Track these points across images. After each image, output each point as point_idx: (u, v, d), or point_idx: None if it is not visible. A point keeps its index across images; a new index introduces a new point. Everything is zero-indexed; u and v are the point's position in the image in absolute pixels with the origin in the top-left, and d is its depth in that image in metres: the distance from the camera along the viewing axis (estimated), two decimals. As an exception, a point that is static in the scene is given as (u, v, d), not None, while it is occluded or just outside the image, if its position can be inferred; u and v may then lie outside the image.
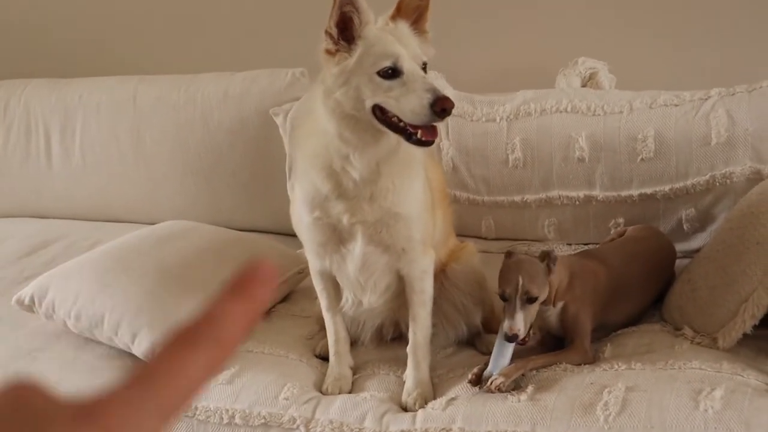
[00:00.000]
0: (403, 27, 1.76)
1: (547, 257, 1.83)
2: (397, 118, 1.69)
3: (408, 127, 1.69)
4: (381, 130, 1.74)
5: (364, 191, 1.80)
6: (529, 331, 1.81)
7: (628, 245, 2.20)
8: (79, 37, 3.79)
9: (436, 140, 1.73)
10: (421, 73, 1.72)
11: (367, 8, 1.74)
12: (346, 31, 1.74)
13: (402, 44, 1.72)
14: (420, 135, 1.68)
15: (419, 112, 1.65)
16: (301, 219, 1.93)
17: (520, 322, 1.76)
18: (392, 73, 1.69)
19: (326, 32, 1.74)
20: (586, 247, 2.48)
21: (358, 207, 1.82)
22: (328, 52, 1.75)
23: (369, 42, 1.72)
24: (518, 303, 1.78)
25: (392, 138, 1.76)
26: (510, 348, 1.84)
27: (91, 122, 3.21)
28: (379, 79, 1.70)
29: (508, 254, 1.94)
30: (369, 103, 1.71)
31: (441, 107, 1.63)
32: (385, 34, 1.73)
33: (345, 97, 1.72)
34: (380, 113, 1.71)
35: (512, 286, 1.79)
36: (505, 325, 1.78)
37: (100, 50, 3.76)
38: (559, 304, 1.91)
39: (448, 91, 2.64)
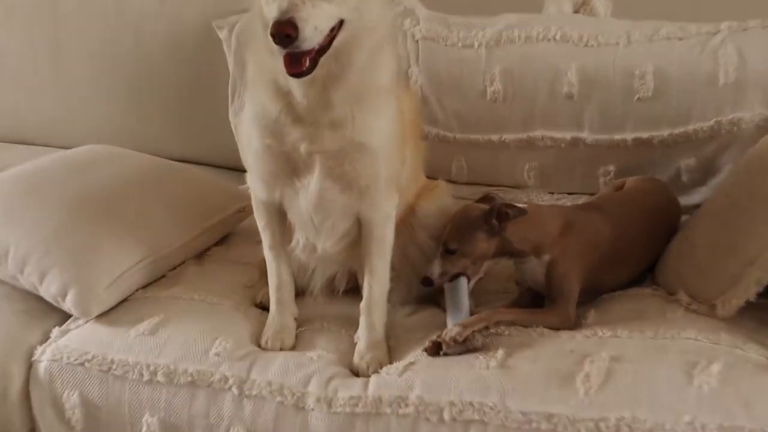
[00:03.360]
0: None
1: (491, 213, 1.86)
2: None
3: None
4: None
5: (321, 117, 1.76)
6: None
7: (633, 199, 2.19)
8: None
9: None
10: None
11: None
12: None
13: None
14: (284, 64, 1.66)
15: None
16: (250, 143, 1.90)
17: (435, 268, 1.91)
18: None
19: None
20: (569, 197, 2.53)
21: (318, 134, 1.78)
22: None
23: None
24: (440, 250, 1.92)
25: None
26: (464, 297, 1.90)
27: (1, 27, 3.19)
28: None
29: (482, 199, 2.00)
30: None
31: (271, 32, 1.58)
32: None
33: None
34: None
35: (443, 232, 1.95)
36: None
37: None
38: (545, 257, 1.92)
39: (419, 10, 2.67)
